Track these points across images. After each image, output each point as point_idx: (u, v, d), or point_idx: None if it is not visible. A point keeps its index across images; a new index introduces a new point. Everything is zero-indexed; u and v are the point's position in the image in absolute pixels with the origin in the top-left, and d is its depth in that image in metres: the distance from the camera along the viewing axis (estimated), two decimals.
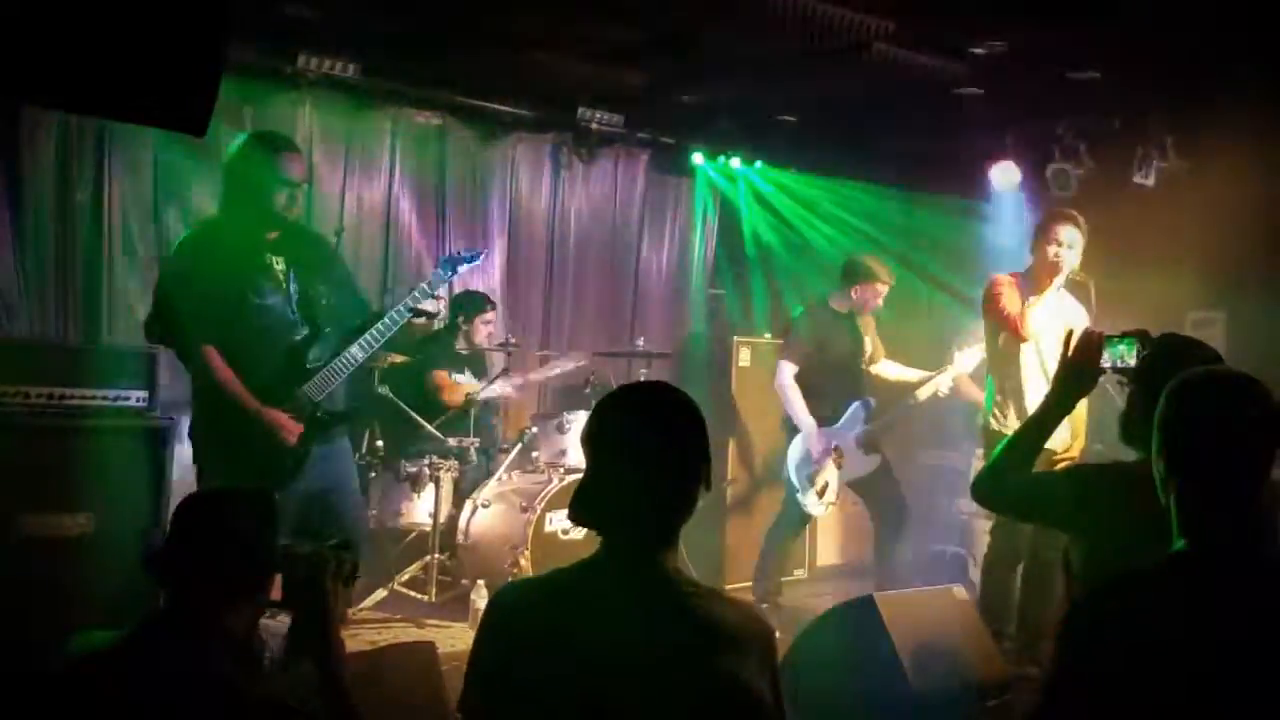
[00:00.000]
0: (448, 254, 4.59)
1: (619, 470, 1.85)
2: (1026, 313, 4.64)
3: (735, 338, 6.71)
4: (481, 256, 4.49)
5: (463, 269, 4.32)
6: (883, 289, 5.52)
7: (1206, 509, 1.85)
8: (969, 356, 5.44)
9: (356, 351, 3.97)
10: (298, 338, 3.88)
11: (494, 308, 6.27)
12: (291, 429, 3.80)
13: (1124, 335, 2.67)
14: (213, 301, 3.73)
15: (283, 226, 3.91)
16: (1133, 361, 2.65)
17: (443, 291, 4.24)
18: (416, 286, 4.11)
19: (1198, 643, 1.73)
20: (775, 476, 5.84)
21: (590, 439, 1.90)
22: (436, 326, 5.78)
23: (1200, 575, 1.81)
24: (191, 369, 3.86)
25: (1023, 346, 4.73)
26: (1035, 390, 4.61)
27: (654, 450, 1.84)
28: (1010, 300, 4.71)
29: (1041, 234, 4.73)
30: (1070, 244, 4.66)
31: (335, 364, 3.94)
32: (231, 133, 4.05)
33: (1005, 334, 4.77)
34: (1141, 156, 6.14)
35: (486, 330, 6.19)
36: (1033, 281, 4.76)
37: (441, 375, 5.85)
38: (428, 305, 4.11)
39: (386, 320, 4.01)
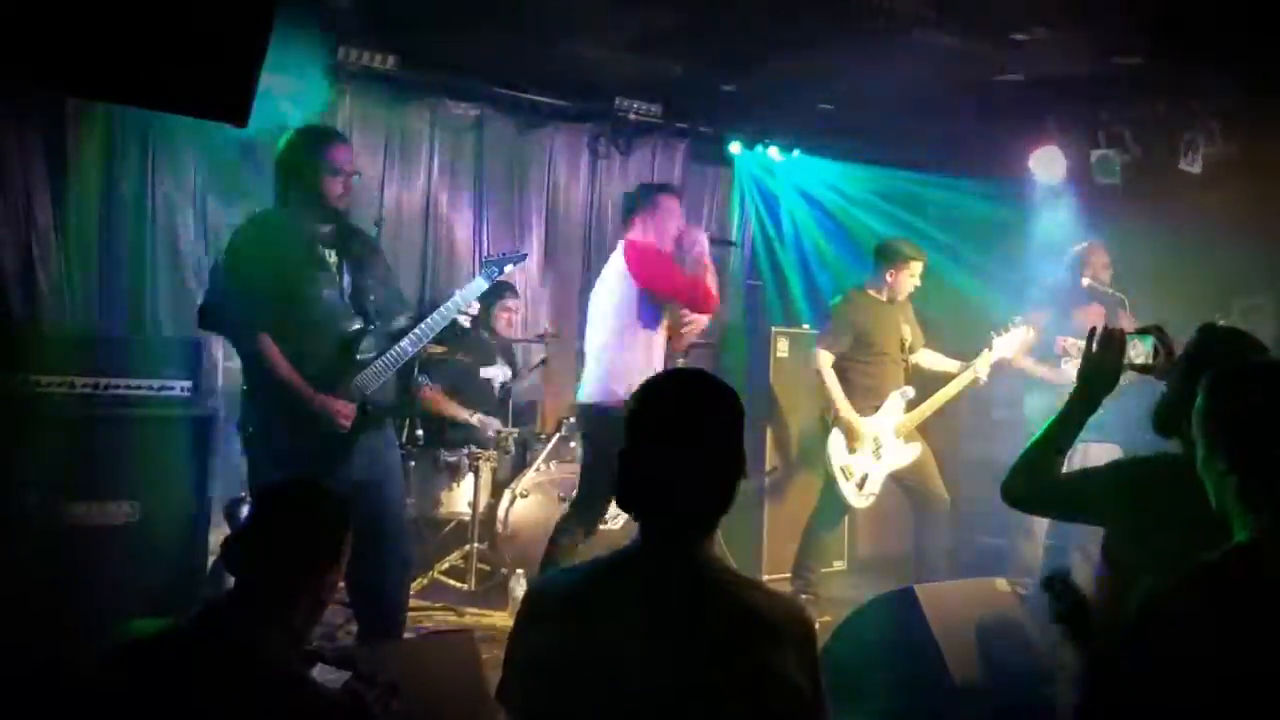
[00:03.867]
0: (491, 255, 4.63)
1: (659, 457, 1.84)
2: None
3: (773, 328, 6.68)
4: (525, 257, 4.59)
5: (508, 269, 4.39)
6: (917, 267, 5.49)
7: (1270, 500, 1.82)
8: (1008, 340, 5.43)
9: (407, 345, 4.02)
10: (350, 330, 3.91)
11: (515, 295, 6.28)
12: (346, 414, 3.82)
13: (1142, 331, 2.66)
14: (269, 292, 3.75)
15: (335, 219, 3.95)
16: (1151, 358, 2.64)
17: (488, 286, 4.29)
18: (464, 286, 4.17)
19: (1271, 634, 1.70)
20: (813, 467, 5.80)
21: (631, 425, 1.90)
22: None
23: (1269, 567, 1.78)
24: (246, 358, 3.86)
25: None
26: None
27: (694, 438, 1.84)
28: None
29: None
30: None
31: (386, 357, 3.98)
32: (274, 125, 4.07)
33: None
34: (1188, 142, 6.03)
35: (507, 317, 6.21)
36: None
37: (432, 391, 5.86)
38: (474, 306, 4.17)
39: (436, 316, 4.07)
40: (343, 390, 3.84)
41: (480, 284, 4.19)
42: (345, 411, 3.82)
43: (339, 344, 3.89)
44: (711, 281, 4.75)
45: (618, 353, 4.64)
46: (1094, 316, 5.63)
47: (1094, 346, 2.67)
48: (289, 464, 3.53)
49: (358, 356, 3.92)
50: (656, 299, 4.66)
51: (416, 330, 4.03)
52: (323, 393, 3.80)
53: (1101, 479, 2.75)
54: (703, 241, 4.84)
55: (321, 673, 2.24)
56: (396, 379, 4.14)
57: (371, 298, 3.99)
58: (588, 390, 4.70)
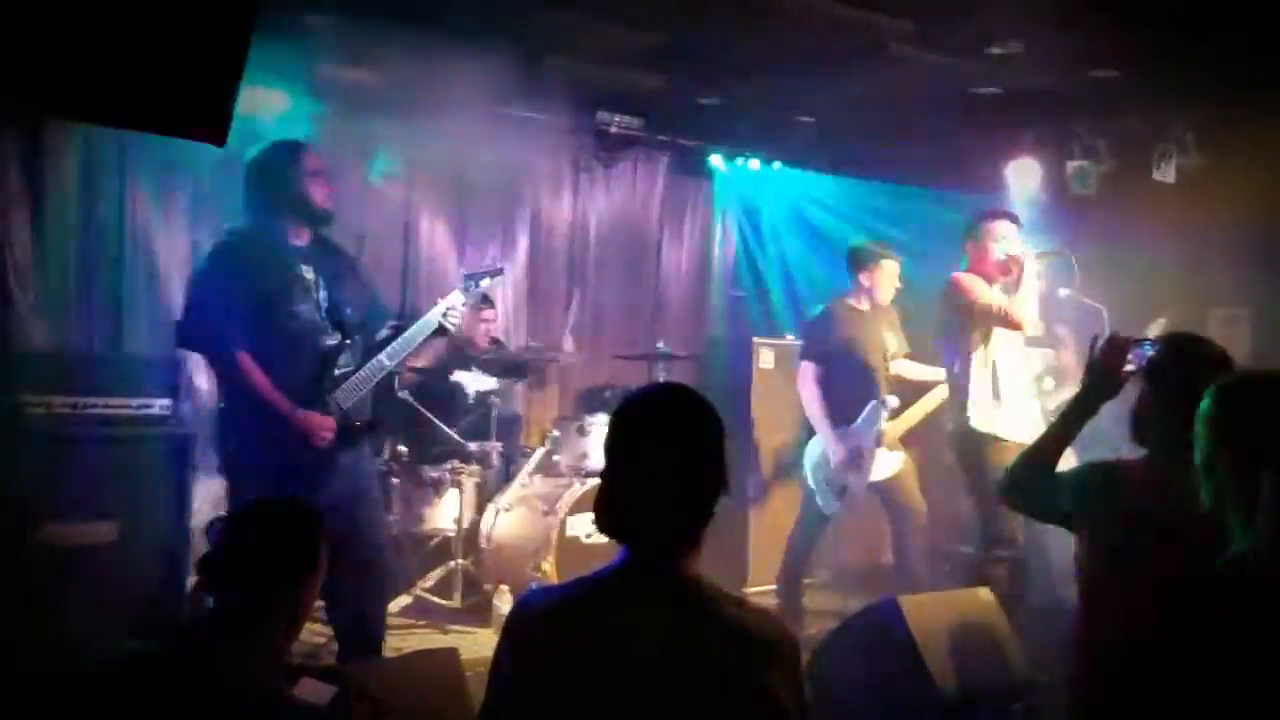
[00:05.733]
0: (469, 270, 4.63)
1: (640, 476, 1.84)
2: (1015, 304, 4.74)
3: (756, 339, 6.70)
4: (503, 272, 4.63)
5: (484, 284, 4.40)
6: (891, 266, 5.51)
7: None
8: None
9: (385, 360, 4.01)
10: (328, 345, 3.89)
11: (491, 305, 6.28)
12: (326, 428, 3.81)
13: (1148, 340, 2.71)
14: (246, 308, 3.74)
15: (321, 225, 3.95)
16: None
17: (466, 302, 4.29)
18: (442, 301, 4.17)
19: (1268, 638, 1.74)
20: (797, 478, 5.82)
21: (611, 444, 1.90)
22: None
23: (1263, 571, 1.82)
24: (224, 375, 3.86)
25: (993, 337, 4.82)
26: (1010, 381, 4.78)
27: (675, 455, 1.83)
28: (990, 294, 4.82)
29: (985, 234, 4.89)
30: (1008, 236, 4.88)
31: (363, 372, 3.96)
32: (252, 143, 4.06)
33: (984, 329, 4.83)
34: (1161, 153, 6.09)
35: (484, 327, 6.20)
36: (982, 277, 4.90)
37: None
38: (452, 317, 4.18)
39: (413, 331, 4.06)
40: (321, 405, 3.83)
41: (457, 297, 4.19)
42: (326, 426, 3.80)
43: (316, 359, 3.87)
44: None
45: None
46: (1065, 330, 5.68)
47: (1095, 354, 2.71)
48: (269, 482, 3.51)
49: (335, 371, 3.91)
50: None
51: (394, 344, 4.02)
52: (301, 408, 3.79)
53: (1061, 484, 2.78)
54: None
55: (307, 688, 2.23)
56: (375, 392, 4.13)
57: (349, 311, 3.98)
58: None
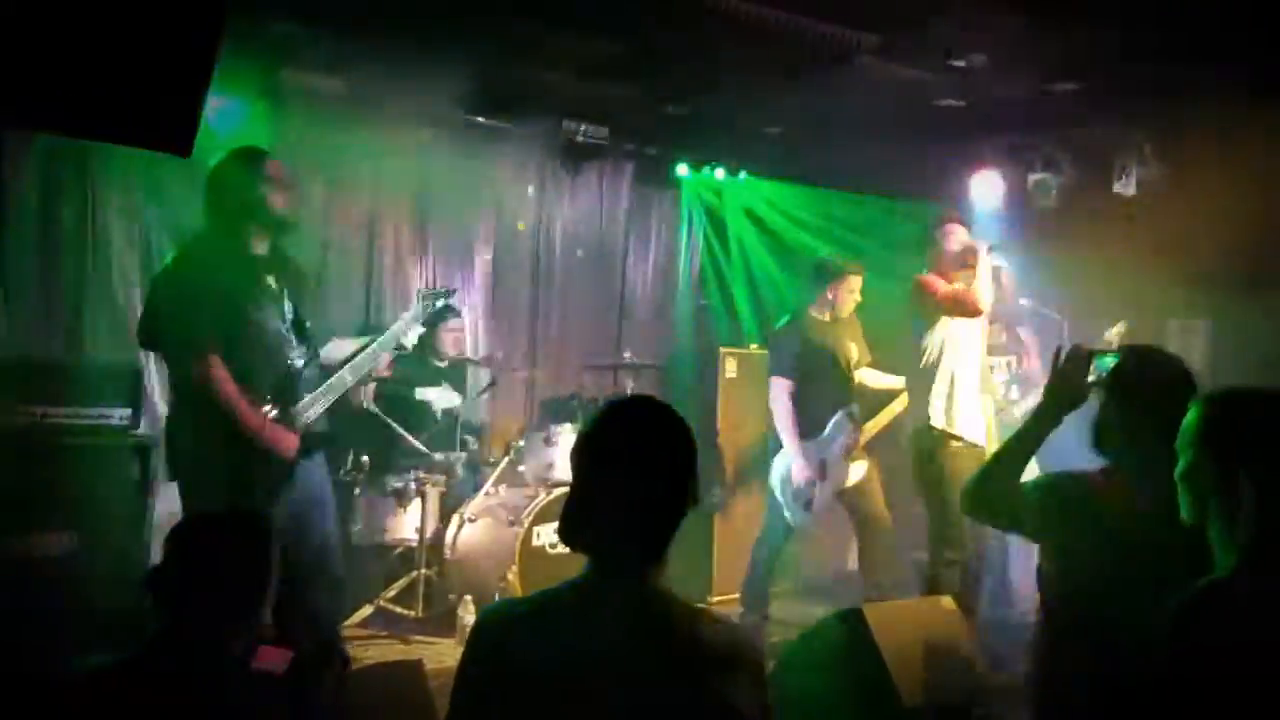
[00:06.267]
0: (426, 288, 4.67)
1: (607, 488, 1.84)
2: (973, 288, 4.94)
3: (722, 349, 6.71)
4: (454, 293, 4.84)
5: (440, 303, 4.44)
6: (855, 281, 5.59)
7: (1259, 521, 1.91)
8: None
9: (347, 375, 4.01)
10: (293, 358, 3.87)
11: (458, 316, 6.27)
12: (292, 445, 3.78)
13: (1111, 352, 2.73)
14: (216, 313, 3.69)
15: (282, 233, 3.93)
16: None
17: (424, 321, 4.32)
18: (401, 318, 4.23)
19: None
20: (762, 487, 5.84)
21: (578, 456, 1.89)
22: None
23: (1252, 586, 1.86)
24: (185, 379, 3.76)
25: (945, 340, 5.00)
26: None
27: (643, 469, 1.83)
28: (949, 286, 5.03)
29: (940, 236, 5.18)
30: (958, 233, 5.18)
31: (326, 387, 3.95)
32: (215, 151, 4.03)
33: (948, 333, 5.02)
34: (1121, 166, 6.17)
35: (452, 338, 6.19)
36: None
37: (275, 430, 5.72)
38: (411, 335, 4.22)
39: (376, 346, 4.10)
40: (287, 421, 3.80)
41: (417, 312, 4.23)
42: (291, 442, 3.78)
43: (283, 371, 3.84)
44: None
45: None
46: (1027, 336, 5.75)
47: (1059, 365, 2.73)
48: (225, 491, 3.49)
49: (300, 385, 3.89)
50: None
51: (356, 360, 4.04)
52: (268, 422, 3.76)
53: (1026, 495, 2.80)
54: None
55: (265, 656, 2.21)
56: (337, 402, 4.12)
57: (308, 324, 3.97)
58: None
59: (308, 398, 3.89)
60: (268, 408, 3.77)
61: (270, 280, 3.87)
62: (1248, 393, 2.07)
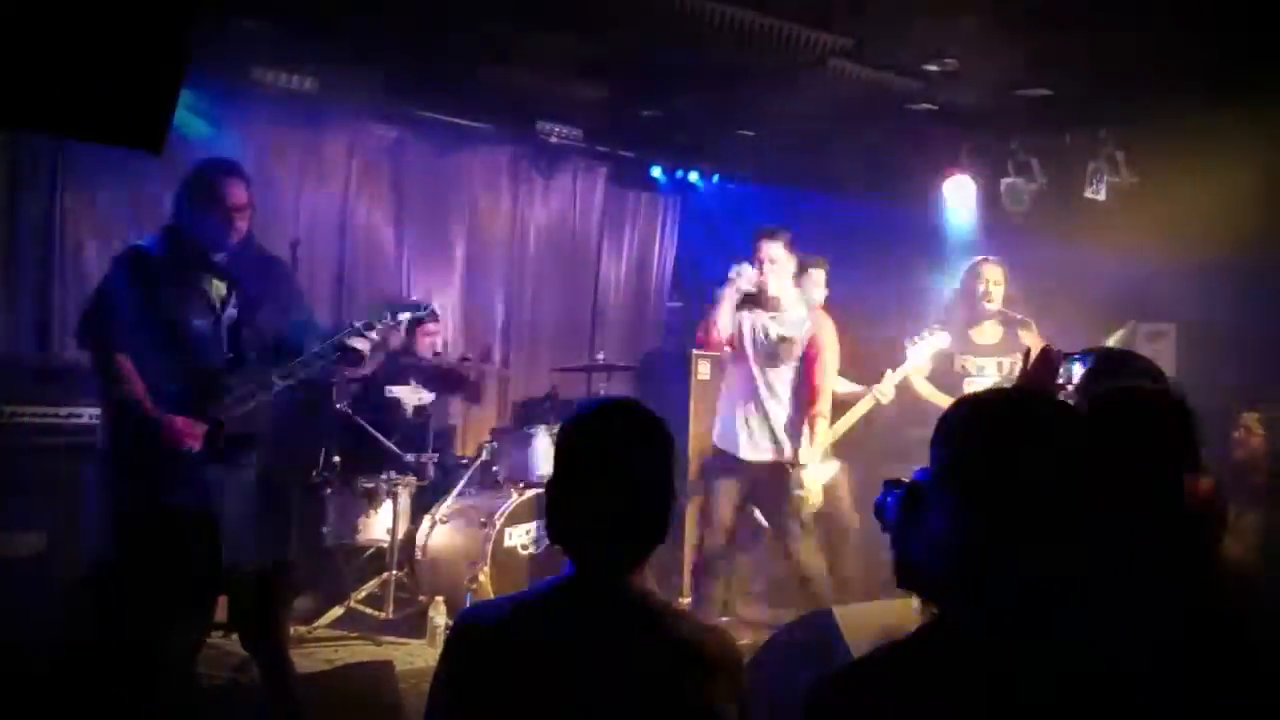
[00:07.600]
0: (399, 302, 4.72)
1: (588, 493, 1.83)
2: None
3: (694, 350, 6.72)
4: (426, 311, 4.83)
5: (403, 317, 4.50)
6: (819, 275, 5.63)
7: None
8: (922, 348, 5.37)
9: (275, 381, 4.07)
10: (217, 359, 3.99)
11: (435, 318, 6.25)
12: (190, 434, 3.86)
13: (1080, 354, 2.73)
14: (138, 317, 3.84)
15: (227, 245, 4.02)
16: None
17: (376, 334, 4.30)
18: (349, 325, 4.27)
19: None
20: None
21: (562, 456, 1.89)
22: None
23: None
24: (101, 374, 3.91)
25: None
26: None
27: (624, 472, 1.84)
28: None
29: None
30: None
31: (248, 388, 4.03)
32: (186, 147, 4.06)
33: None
34: (1092, 171, 6.22)
35: (429, 340, 6.17)
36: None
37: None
38: (357, 343, 4.23)
39: (311, 355, 4.15)
40: (196, 414, 3.88)
41: (369, 323, 4.28)
42: (192, 433, 3.83)
43: (205, 373, 3.95)
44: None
45: None
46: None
47: (1028, 367, 2.73)
48: (138, 481, 3.65)
49: (222, 387, 3.95)
50: None
51: (292, 366, 4.10)
52: (174, 413, 3.84)
53: None
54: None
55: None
56: (308, 403, 4.16)
57: (250, 329, 4.06)
58: None
59: (228, 398, 3.97)
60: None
61: (217, 284, 4.00)
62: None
